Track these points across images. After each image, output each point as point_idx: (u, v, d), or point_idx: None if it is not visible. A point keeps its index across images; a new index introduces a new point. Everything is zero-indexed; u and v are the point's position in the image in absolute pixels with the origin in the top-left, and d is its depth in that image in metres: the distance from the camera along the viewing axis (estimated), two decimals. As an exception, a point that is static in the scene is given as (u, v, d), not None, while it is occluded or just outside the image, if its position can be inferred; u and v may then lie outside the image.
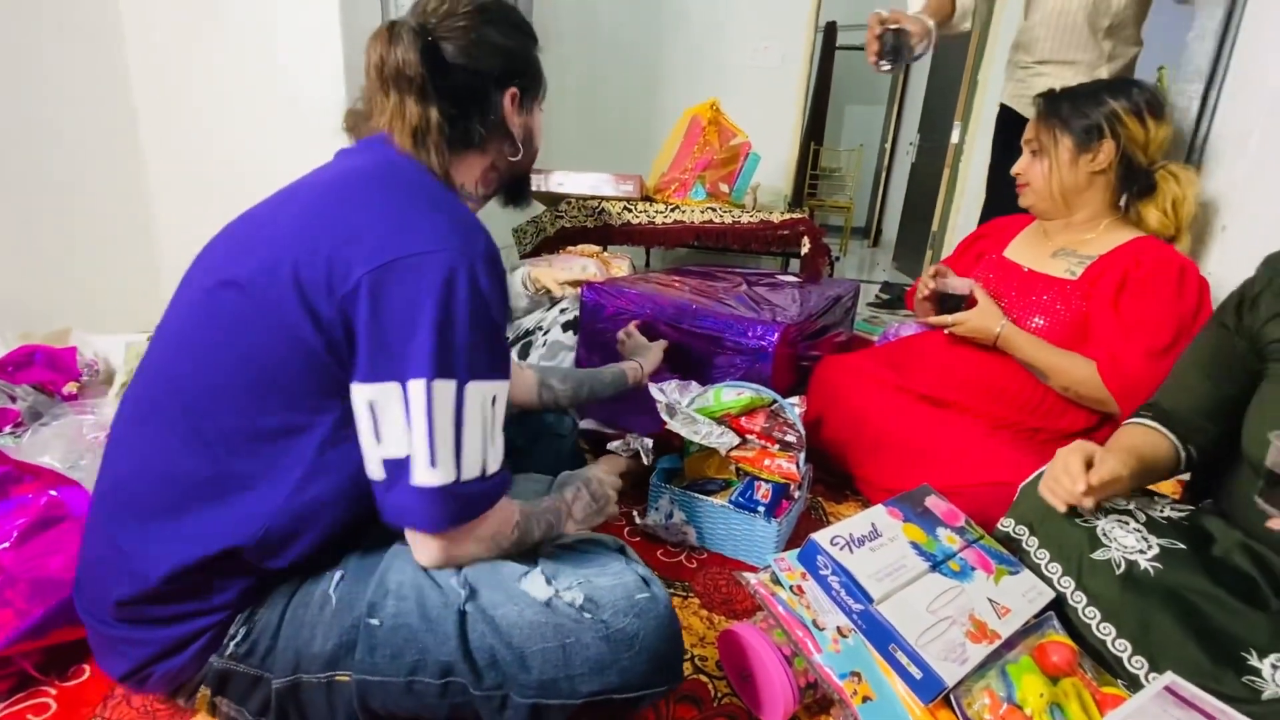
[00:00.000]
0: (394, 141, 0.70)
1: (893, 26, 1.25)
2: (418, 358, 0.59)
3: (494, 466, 0.64)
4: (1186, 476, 0.99)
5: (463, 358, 0.60)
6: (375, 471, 0.62)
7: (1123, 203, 1.21)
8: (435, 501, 0.61)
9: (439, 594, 0.64)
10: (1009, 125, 1.74)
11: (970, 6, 1.50)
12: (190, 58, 1.72)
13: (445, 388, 0.60)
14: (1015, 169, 1.25)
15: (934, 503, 0.95)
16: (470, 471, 0.62)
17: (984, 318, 1.20)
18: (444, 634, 0.62)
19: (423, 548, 0.65)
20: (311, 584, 0.67)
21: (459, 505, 0.63)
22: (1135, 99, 1.13)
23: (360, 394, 0.61)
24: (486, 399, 0.63)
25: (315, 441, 0.63)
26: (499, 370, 0.65)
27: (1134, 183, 1.17)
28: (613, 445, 1.29)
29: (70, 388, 1.26)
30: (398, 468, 0.60)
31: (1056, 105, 1.18)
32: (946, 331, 1.28)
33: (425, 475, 0.60)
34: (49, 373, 1.24)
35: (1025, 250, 1.31)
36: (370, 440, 0.61)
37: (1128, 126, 1.12)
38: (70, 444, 1.03)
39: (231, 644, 0.65)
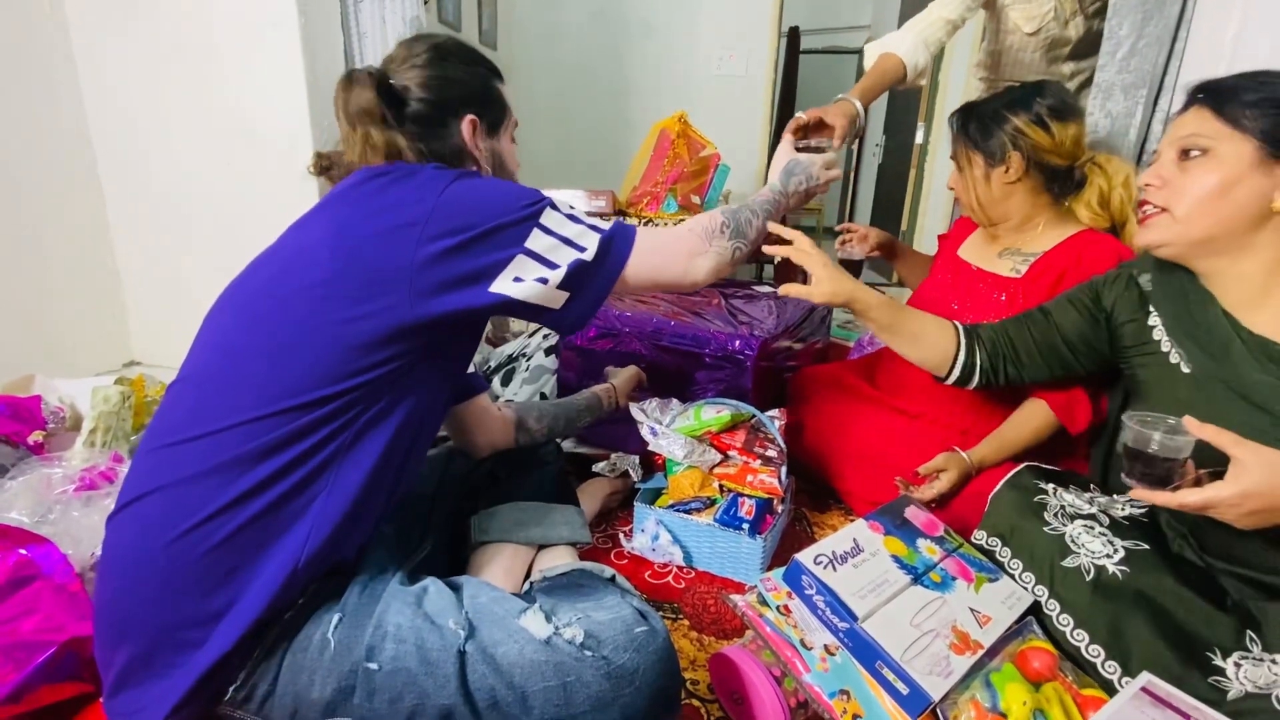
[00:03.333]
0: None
1: (813, 142, 1.16)
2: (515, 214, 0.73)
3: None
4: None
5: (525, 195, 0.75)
6: (560, 291, 0.73)
7: (1057, 198, 1.21)
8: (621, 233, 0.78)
9: (438, 636, 0.64)
10: None
11: (923, 66, 1.46)
12: (148, 99, 1.69)
13: (550, 213, 0.74)
14: (948, 183, 1.31)
15: (913, 513, 0.97)
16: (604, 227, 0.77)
17: (954, 464, 1.14)
18: (444, 676, 0.62)
19: (664, 263, 0.82)
20: (310, 627, 0.66)
21: (620, 226, 0.79)
22: (1035, 109, 1.13)
23: (512, 273, 0.71)
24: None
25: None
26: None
27: (1058, 181, 1.18)
28: (599, 466, 1.29)
29: (36, 437, 1.22)
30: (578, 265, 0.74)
31: (965, 125, 1.21)
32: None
33: (590, 252, 0.74)
34: (12, 424, 1.20)
35: (975, 249, 1.33)
36: (546, 283, 0.72)
37: (1030, 137, 1.13)
38: (38, 498, 1.00)
39: (230, 689, 0.65)
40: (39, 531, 0.93)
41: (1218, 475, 0.70)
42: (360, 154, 0.79)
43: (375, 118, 0.78)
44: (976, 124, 1.19)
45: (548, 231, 0.73)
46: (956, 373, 1.07)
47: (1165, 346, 0.91)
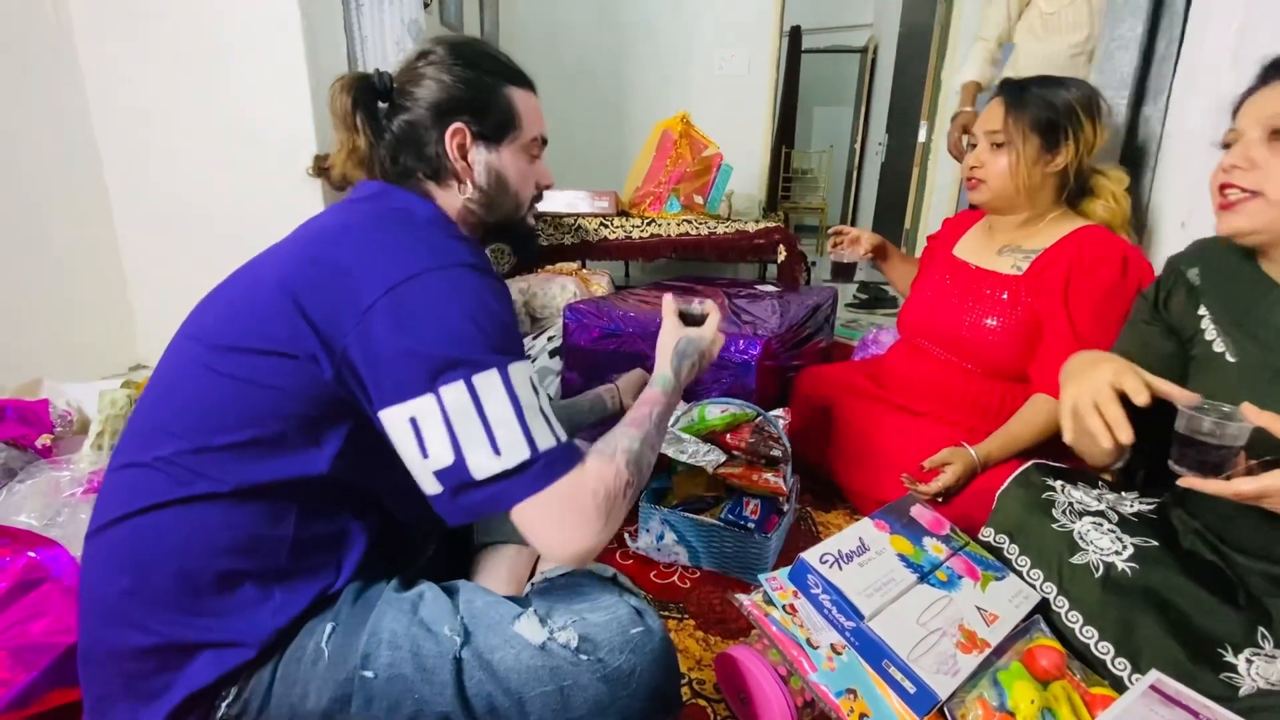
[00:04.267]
0: (376, 183, 0.77)
1: (695, 305, 0.99)
2: (435, 367, 0.61)
3: (564, 434, 0.65)
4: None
5: (478, 349, 0.62)
6: (431, 486, 0.62)
7: (1064, 200, 1.22)
8: (518, 475, 0.61)
9: (433, 642, 0.63)
10: None
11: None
12: (153, 103, 1.70)
13: (487, 378, 0.61)
14: (972, 161, 1.22)
15: (919, 512, 0.97)
16: (546, 443, 0.62)
17: (963, 471, 1.12)
18: (440, 683, 0.61)
19: (543, 531, 0.62)
20: (303, 638, 0.65)
21: (544, 466, 0.62)
22: (1091, 105, 1.14)
23: (395, 415, 0.61)
24: (526, 377, 0.64)
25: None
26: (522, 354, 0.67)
27: (1076, 182, 1.20)
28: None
29: (44, 440, 1.23)
30: (452, 474, 0.61)
31: (1021, 96, 1.16)
32: None
33: (489, 464, 0.60)
34: (21, 427, 1.21)
35: (973, 248, 1.31)
36: (416, 458, 0.61)
37: (1083, 126, 1.13)
38: (47, 501, 1.01)
39: (223, 705, 0.65)
40: (48, 534, 0.94)
41: (1267, 465, 0.68)
42: (341, 164, 0.78)
43: (349, 124, 0.76)
44: (1043, 105, 1.14)
45: (475, 397, 0.60)
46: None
47: (1210, 335, 0.88)
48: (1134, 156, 1.45)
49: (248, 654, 0.63)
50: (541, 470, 0.61)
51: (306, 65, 1.63)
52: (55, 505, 1.01)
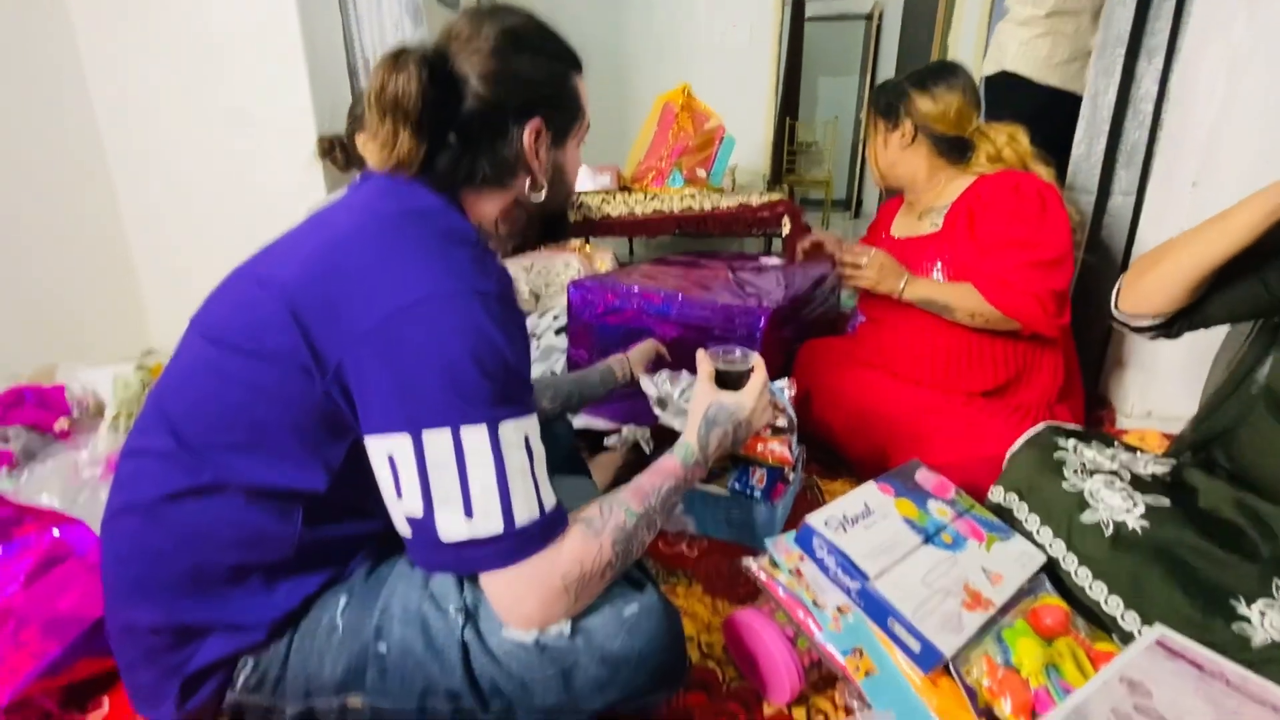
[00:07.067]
0: (385, 178, 0.68)
1: (736, 353, 0.93)
2: (427, 405, 0.57)
3: (550, 503, 0.61)
4: (1172, 430, 1.02)
5: (466, 401, 0.57)
6: (402, 528, 0.60)
7: (950, 162, 1.33)
8: (486, 547, 0.58)
9: (443, 620, 0.63)
10: (1012, 91, 1.75)
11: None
12: (151, 90, 1.69)
13: (475, 434, 0.57)
14: (866, 153, 1.44)
15: (924, 476, 0.98)
16: (525, 517, 0.59)
17: (884, 272, 1.28)
18: (450, 663, 0.62)
19: (502, 602, 0.60)
20: (317, 611, 0.67)
21: (517, 544, 0.59)
22: (923, 78, 1.30)
23: (375, 445, 0.59)
24: (521, 436, 0.59)
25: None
26: (524, 406, 0.61)
27: (949, 147, 1.31)
28: (610, 440, 1.30)
29: (61, 424, 1.25)
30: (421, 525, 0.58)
31: (877, 97, 1.38)
32: (854, 286, 1.37)
33: (459, 527, 0.57)
34: (39, 411, 1.23)
35: (901, 225, 1.44)
36: (391, 495, 0.59)
37: (916, 102, 1.29)
38: (67, 482, 1.04)
39: (241, 676, 0.66)
40: (70, 513, 0.97)
41: None
42: (379, 148, 0.66)
43: (409, 118, 0.64)
44: (884, 95, 1.35)
45: (458, 450, 0.56)
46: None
47: None
48: (1130, 114, 1.43)
49: (257, 636, 0.65)
50: (512, 548, 0.58)
51: (304, 48, 1.62)
52: (76, 486, 1.04)
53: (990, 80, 1.84)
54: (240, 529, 0.64)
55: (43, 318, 1.61)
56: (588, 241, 2.37)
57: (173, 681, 0.66)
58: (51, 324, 1.63)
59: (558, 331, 1.74)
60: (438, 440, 0.57)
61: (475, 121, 0.68)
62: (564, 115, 0.74)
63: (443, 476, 0.57)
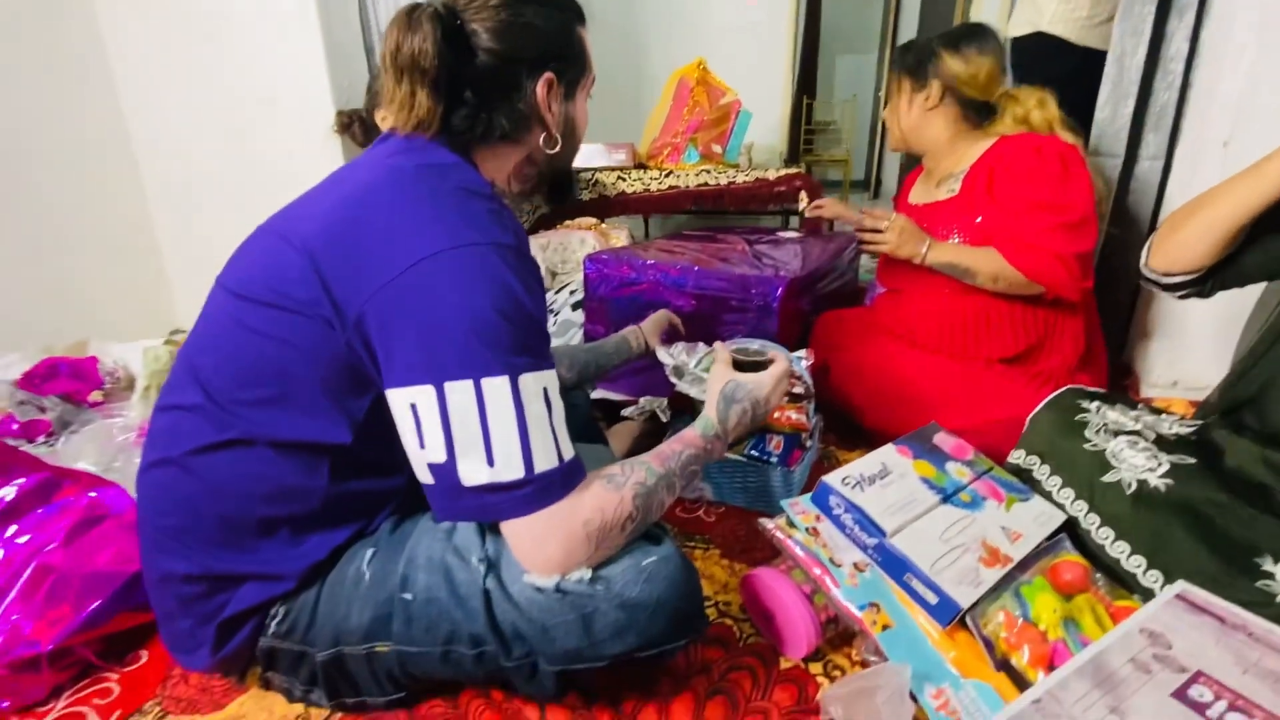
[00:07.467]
0: (403, 137, 0.69)
1: (753, 346, 1.07)
2: (445, 359, 0.58)
3: (569, 454, 0.62)
4: (1198, 396, 1.00)
5: (483, 354, 0.58)
6: (424, 476, 0.62)
7: (971, 126, 1.30)
8: (509, 493, 0.59)
9: (466, 570, 0.65)
10: (1045, 54, 1.70)
11: None
12: (173, 72, 1.73)
13: (497, 385, 0.58)
14: (883, 115, 1.41)
15: (942, 439, 0.97)
16: (545, 464, 0.60)
17: (905, 236, 1.25)
18: (473, 610, 0.63)
19: (524, 547, 0.62)
20: (345, 563, 0.69)
21: (538, 490, 0.60)
22: (954, 38, 1.25)
23: (398, 397, 0.60)
24: (540, 388, 0.60)
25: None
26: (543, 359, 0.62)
27: (974, 111, 1.28)
28: (627, 411, 1.31)
29: (95, 396, 1.29)
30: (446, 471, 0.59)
31: (903, 55, 1.33)
32: (881, 255, 1.34)
33: (481, 473, 0.58)
34: (74, 383, 1.27)
35: (920, 192, 1.41)
36: (414, 446, 0.60)
37: (946, 63, 1.25)
38: (102, 448, 1.07)
39: (273, 623, 0.69)
40: (107, 477, 1.00)
41: None
42: (397, 111, 0.67)
43: (428, 77, 0.65)
44: (912, 55, 1.30)
45: (480, 401, 0.57)
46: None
47: None
48: (1159, 74, 1.39)
49: (287, 585, 0.67)
50: (534, 494, 0.59)
51: (320, 26, 1.63)
52: (111, 451, 1.07)
53: (1019, 42, 1.79)
54: (268, 482, 0.66)
55: (74, 295, 1.66)
56: (602, 221, 2.37)
57: (207, 629, 0.68)
58: (80, 306, 1.68)
59: (574, 307, 1.75)
60: (459, 391, 0.58)
61: (490, 77, 0.69)
62: (574, 67, 0.75)
63: (465, 426, 0.58)
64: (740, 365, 0.86)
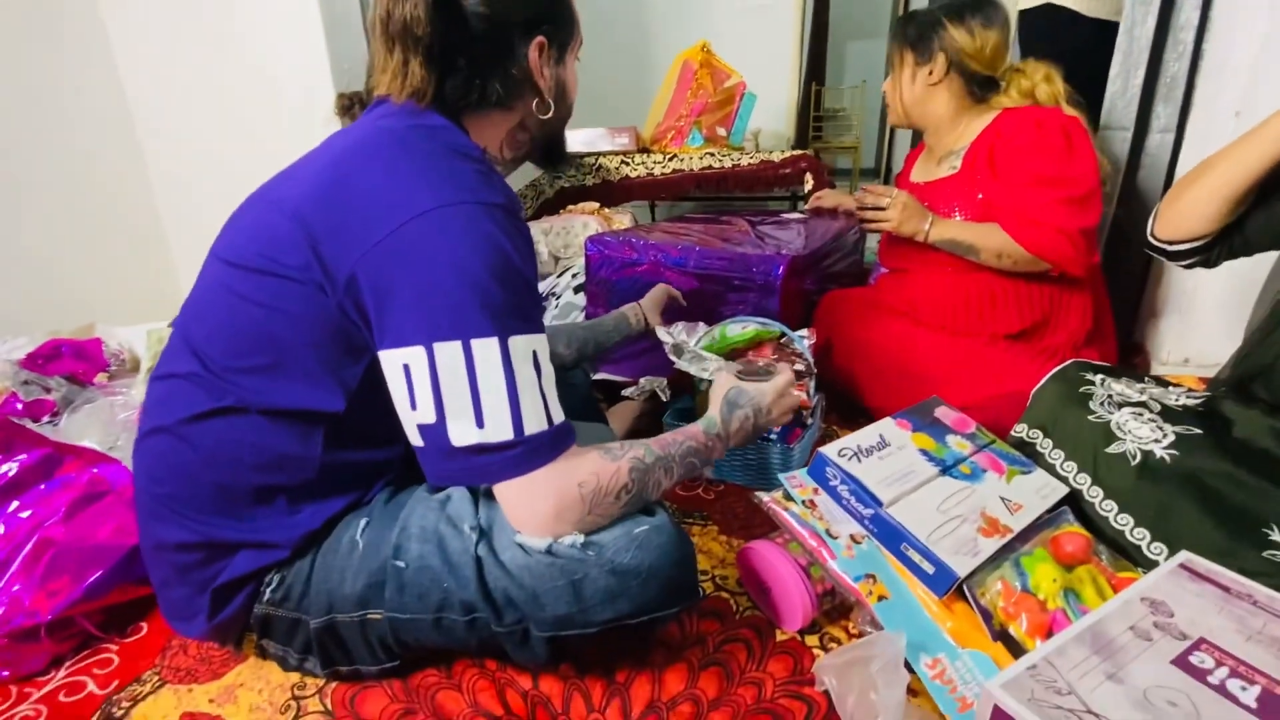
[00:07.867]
0: (395, 104, 0.68)
1: (760, 363, 1.08)
2: (435, 320, 0.58)
3: (559, 418, 0.62)
4: (1209, 374, 0.98)
5: (477, 313, 0.58)
6: (415, 438, 0.62)
7: (978, 101, 1.28)
8: (498, 454, 0.59)
9: (459, 539, 0.65)
10: (1054, 26, 1.66)
11: None
12: (175, 54, 1.73)
13: (486, 346, 0.58)
14: (882, 88, 1.38)
15: (943, 412, 0.96)
16: (534, 427, 0.60)
17: (908, 213, 1.25)
18: (465, 577, 0.64)
19: (517, 507, 0.62)
20: (340, 531, 0.70)
21: (526, 451, 0.60)
22: (959, 10, 1.22)
23: (390, 358, 0.60)
24: (530, 351, 0.60)
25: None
26: (533, 323, 0.62)
27: (979, 86, 1.25)
28: (628, 391, 1.30)
29: (101, 378, 1.31)
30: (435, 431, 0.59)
31: (905, 27, 1.30)
32: (884, 233, 1.34)
33: (470, 434, 0.58)
34: (78, 363, 1.28)
35: (921, 170, 1.40)
36: (406, 407, 0.60)
37: (951, 35, 1.22)
38: (105, 426, 1.08)
39: (268, 591, 0.69)
40: (109, 455, 1.01)
41: None
42: (390, 80, 0.67)
43: (421, 44, 0.65)
44: (914, 27, 1.27)
45: (469, 361, 0.57)
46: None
47: None
48: (1170, 44, 1.35)
49: (282, 554, 0.68)
50: (523, 455, 0.59)
51: (319, 6, 1.62)
52: (114, 430, 1.08)
53: (1028, 14, 1.74)
54: (262, 450, 0.66)
55: (79, 279, 1.67)
56: (606, 205, 2.36)
57: (203, 596, 0.69)
58: (86, 291, 1.69)
59: (576, 290, 1.74)
60: (449, 352, 0.58)
61: (482, 42, 0.69)
62: (564, 30, 0.74)
63: (454, 387, 0.58)
64: (744, 376, 0.88)
